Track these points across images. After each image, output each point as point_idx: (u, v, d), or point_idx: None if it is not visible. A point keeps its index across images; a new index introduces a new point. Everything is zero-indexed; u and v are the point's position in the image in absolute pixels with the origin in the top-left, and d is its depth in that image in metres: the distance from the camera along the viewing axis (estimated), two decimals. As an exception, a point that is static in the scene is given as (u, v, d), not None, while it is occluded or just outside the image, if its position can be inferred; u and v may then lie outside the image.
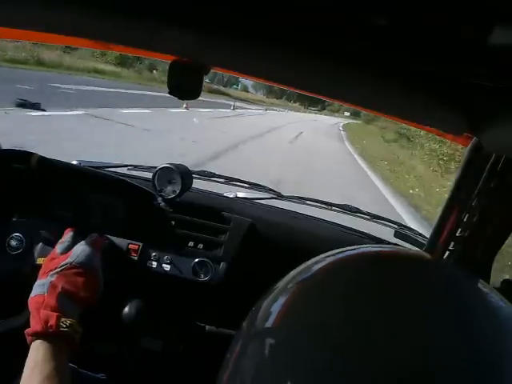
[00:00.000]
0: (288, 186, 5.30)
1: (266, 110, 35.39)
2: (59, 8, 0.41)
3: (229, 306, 0.95)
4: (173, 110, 13.24)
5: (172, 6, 0.37)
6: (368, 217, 1.22)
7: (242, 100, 41.10)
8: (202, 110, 16.05)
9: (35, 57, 16.03)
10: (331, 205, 1.23)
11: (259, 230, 1.05)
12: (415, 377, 0.27)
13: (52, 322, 0.63)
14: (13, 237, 0.95)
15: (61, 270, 0.71)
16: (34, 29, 0.56)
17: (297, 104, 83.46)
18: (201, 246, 1.01)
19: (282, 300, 0.35)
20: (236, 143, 9.35)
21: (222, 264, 1.00)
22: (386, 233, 1.21)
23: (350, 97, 0.60)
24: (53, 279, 0.69)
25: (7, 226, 0.97)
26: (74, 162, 1.17)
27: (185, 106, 14.86)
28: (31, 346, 0.62)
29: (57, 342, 0.62)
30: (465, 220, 0.64)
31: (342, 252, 0.38)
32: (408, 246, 1.09)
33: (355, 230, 1.17)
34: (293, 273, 0.37)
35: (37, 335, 0.62)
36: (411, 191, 8.30)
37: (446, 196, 0.68)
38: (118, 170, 1.21)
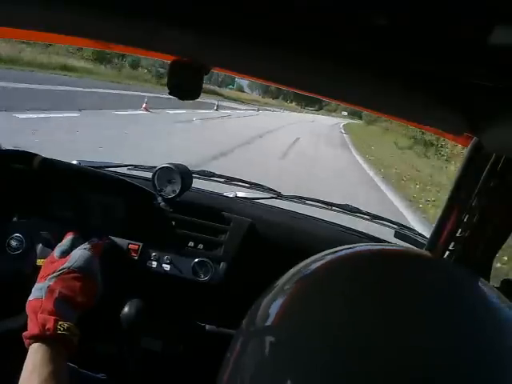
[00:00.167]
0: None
1: (259, 110, 31.59)
2: (59, 8, 0.41)
3: (229, 306, 0.95)
4: (120, 113, 10.04)
5: (172, 6, 0.37)
6: (368, 217, 1.22)
7: (234, 100, 38.08)
8: (170, 111, 12.93)
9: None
10: (331, 205, 1.23)
11: (259, 229, 1.05)
12: (415, 376, 0.27)
13: (50, 325, 0.63)
14: (13, 237, 0.95)
15: (59, 275, 0.71)
16: (34, 29, 0.56)
17: (293, 104, 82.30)
18: (201, 245, 1.01)
19: (281, 298, 0.35)
20: (198, 163, 5.02)
21: (221, 264, 1.00)
22: (386, 233, 1.21)
23: (350, 97, 0.60)
24: (51, 283, 0.69)
25: (7, 227, 0.97)
26: (74, 162, 1.18)
27: (144, 106, 11.57)
28: (29, 350, 0.62)
29: (55, 345, 0.62)
30: (465, 220, 0.64)
31: (341, 250, 0.38)
32: (408, 246, 1.09)
33: (355, 230, 1.17)
34: (292, 271, 0.37)
35: (35, 338, 0.62)
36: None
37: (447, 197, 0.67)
38: (118, 169, 1.21)
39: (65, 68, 17.85)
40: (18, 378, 0.58)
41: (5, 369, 0.64)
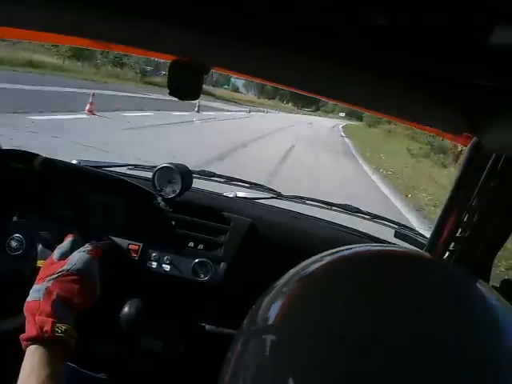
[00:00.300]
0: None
1: (250, 111, 27.93)
2: (59, 8, 0.41)
3: (229, 306, 0.95)
4: (38, 118, 7.16)
5: (172, 6, 0.37)
6: (368, 217, 1.22)
7: (226, 100, 36.12)
8: (131, 113, 10.47)
9: None
10: (331, 205, 1.23)
11: (259, 230, 1.05)
12: (414, 376, 0.27)
13: (47, 327, 0.63)
14: (13, 237, 0.95)
15: (57, 277, 0.71)
16: (34, 29, 0.56)
17: (290, 105, 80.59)
18: (201, 246, 1.01)
19: (282, 298, 0.35)
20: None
21: (222, 264, 1.00)
22: (386, 233, 1.21)
23: (350, 97, 0.60)
24: (49, 285, 0.69)
25: (7, 227, 0.97)
26: (74, 162, 1.18)
27: (87, 108, 9.07)
28: (26, 352, 0.62)
29: (52, 347, 0.62)
30: (465, 220, 0.64)
31: (342, 250, 0.38)
32: (408, 246, 1.09)
33: (355, 230, 1.17)
34: (293, 271, 0.37)
35: (32, 340, 0.62)
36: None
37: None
38: (118, 169, 1.21)
39: (30, 64, 16.13)
40: (15, 380, 0.58)
41: (1, 370, 0.64)
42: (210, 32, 0.40)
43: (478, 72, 0.35)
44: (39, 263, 0.90)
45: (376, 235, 1.16)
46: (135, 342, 0.95)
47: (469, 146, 0.62)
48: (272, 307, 0.35)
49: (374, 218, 1.22)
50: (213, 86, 49.60)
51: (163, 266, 0.99)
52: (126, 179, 1.07)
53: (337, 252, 0.38)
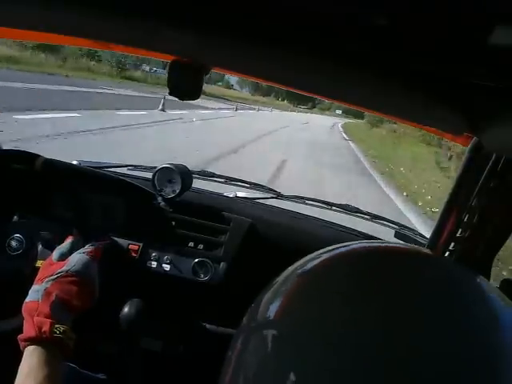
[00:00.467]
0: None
1: (237, 109, 23.54)
2: (59, 8, 0.41)
3: (229, 306, 0.95)
4: None
5: (172, 6, 0.37)
6: (368, 217, 1.22)
7: (216, 97, 33.02)
8: (42, 114, 7.34)
9: None
10: (331, 205, 1.23)
11: (259, 230, 1.05)
12: (414, 371, 0.27)
13: (46, 328, 0.63)
14: (13, 237, 0.95)
15: (56, 278, 0.71)
16: (34, 29, 0.56)
17: (285, 102, 78.80)
18: (201, 246, 1.01)
19: (281, 295, 0.35)
20: None
21: (221, 264, 1.00)
22: (386, 233, 1.21)
23: (350, 97, 0.60)
24: (48, 286, 0.69)
25: (7, 227, 0.97)
26: (74, 162, 1.18)
27: None
28: (24, 352, 0.61)
29: (50, 348, 0.62)
30: (465, 220, 0.64)
31: (340, 247, 0.38)
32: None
33: (355, 230, 1.17)
34: (292, 267, 0.37)
35: (31, 341, 0.62)
36: None
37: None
38: (118, 169, 1.21)
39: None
40: (13, 381, 0.58)
41: (0, 371, 0.64)
42: (210, 32, 0.40)
43: (478, 72, 0.35)
44: (39, 263, 0.90)
45: (376, 235, 1.16)
46: (135, 342, 0.95)
47: (469, 146, 0.62)
48: (271, 304, 0.35)
49: (374, 218, 1.22)
50: (206, 82, 48.83)
51: (163, 265, 0.99)
52: (126, 179, 1.07)
53: (334, 249, 0.38)
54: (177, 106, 13.32)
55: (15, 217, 0.99)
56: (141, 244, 0.99)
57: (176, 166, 1.04)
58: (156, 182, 1.04)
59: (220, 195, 1.24)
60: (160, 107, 12.55)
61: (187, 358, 1.02)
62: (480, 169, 0.61)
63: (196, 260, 0.99)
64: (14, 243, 0.94)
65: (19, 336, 0.63)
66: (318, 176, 7.62)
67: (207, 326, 1.03)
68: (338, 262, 0.37)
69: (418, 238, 1.12)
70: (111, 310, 0.86)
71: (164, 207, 1.04)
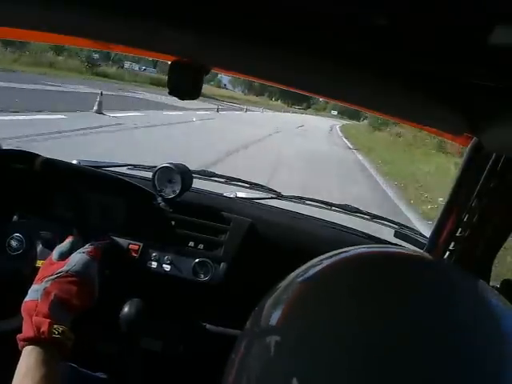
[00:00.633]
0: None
1: (219, 110, 19.82)
2: (59, 8, 0.41)
3: (229, 306, 0.95)
4: None
5: (172, 6, 0.37)
6: (368, 217, 1.22)
7: (204, 97, 26.52)
8: None
9: None
10: (331, 205, 1.23)
11: (259, 230, 1.05)
12: (415, 376, 0.27)
13: (44, 328, 0.63)
14: (13, 237, 0.95)
15: (56, 278, 0.71)
16: (34, 29, 0.56)
17: (279, 102, 75.45)
18: (201, 246, 1.01)
19: (285, 300, 0.35)
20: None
21: (222, 264, 1.00)
22: (386, 233, 1.21)
23: (350, 97, 0.60)
24: (47, 286, 0.69)
25: (7, 227, 0.97)
26: (74, 162, 1.18)
27: None
28: (23, 352, 0.61)
29: (49, 348, 0.62)
30: (465, 220, 0.64)
31: (344, 252, 0.38)
32: (408, 246, 1.09)
33: (355, 230, 1.17)
34: (295, 272, 0.37)
35: (29, 341, 0.62)
36: None
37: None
38: (118, 169, 1.21)
39: None
40: (10, 380, 0.58)
41: None
42: (209, 32, 0.40)
43: (478, 72, 0.35)
44: (39, 263, 0.90)
45: (376, 235, 1.16)
46: (135, 342, 0.95)
47: (469, 146, 0.62)
48: (275, 309, 0.35)
49: (374, 218, 1.22)
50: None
51: (163, 265, 0.99)
52: (126, 179, 1.07)
53: (338, 254, 0.38)
54: (130, 106, 10.26)
55: (15, 217, 0.99)
56: (141, 244, 0.99)
57: (176, 165, 1.04)
58: (156, 182, 1.04)
59: (220, 195, 1.24)
60: (95, 108, 9.38)
61: (187, 358, 1.02)
62: (480, 169, 0.60)
63: (196, 260, 0.99)
64: (13, 243, 0.94)
65: (18, 336, 0.63)
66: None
67: (207, 326, 1.03)
68: (342, 267, 0.37)
69: (418, 238, 1.12)
70: (111, 309, 0.86)
71: (164, 207, 1.04)
